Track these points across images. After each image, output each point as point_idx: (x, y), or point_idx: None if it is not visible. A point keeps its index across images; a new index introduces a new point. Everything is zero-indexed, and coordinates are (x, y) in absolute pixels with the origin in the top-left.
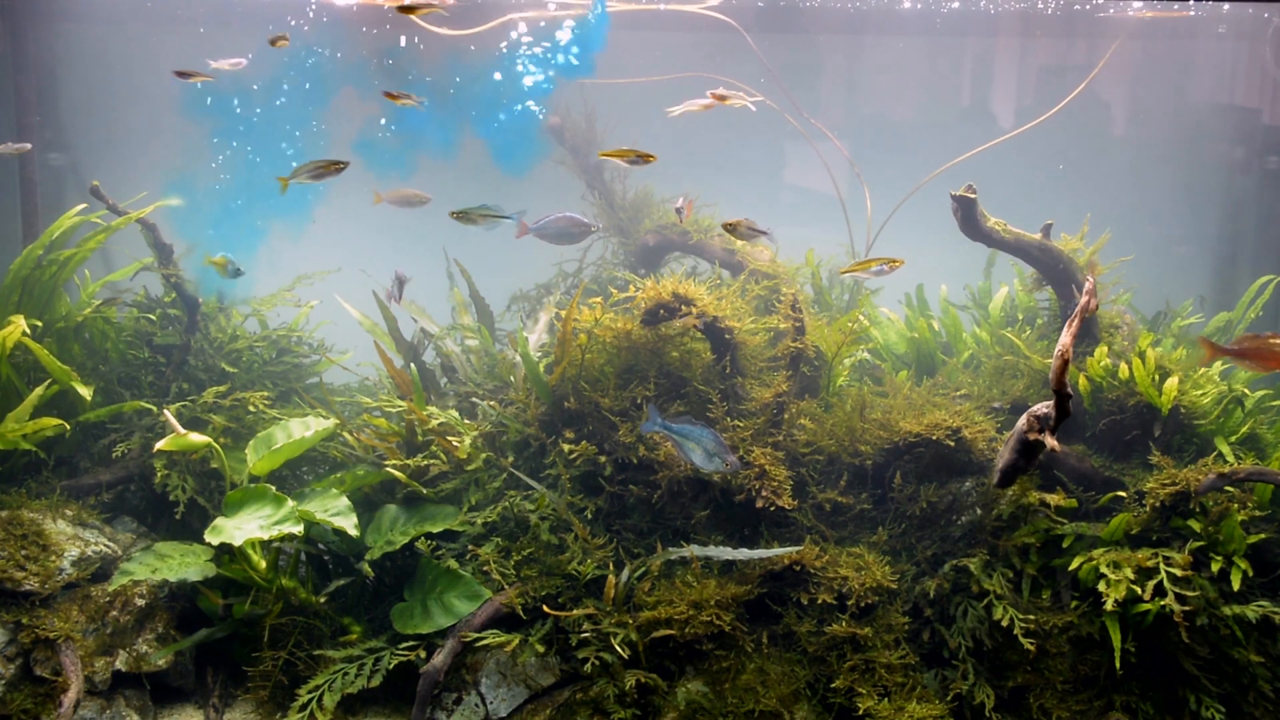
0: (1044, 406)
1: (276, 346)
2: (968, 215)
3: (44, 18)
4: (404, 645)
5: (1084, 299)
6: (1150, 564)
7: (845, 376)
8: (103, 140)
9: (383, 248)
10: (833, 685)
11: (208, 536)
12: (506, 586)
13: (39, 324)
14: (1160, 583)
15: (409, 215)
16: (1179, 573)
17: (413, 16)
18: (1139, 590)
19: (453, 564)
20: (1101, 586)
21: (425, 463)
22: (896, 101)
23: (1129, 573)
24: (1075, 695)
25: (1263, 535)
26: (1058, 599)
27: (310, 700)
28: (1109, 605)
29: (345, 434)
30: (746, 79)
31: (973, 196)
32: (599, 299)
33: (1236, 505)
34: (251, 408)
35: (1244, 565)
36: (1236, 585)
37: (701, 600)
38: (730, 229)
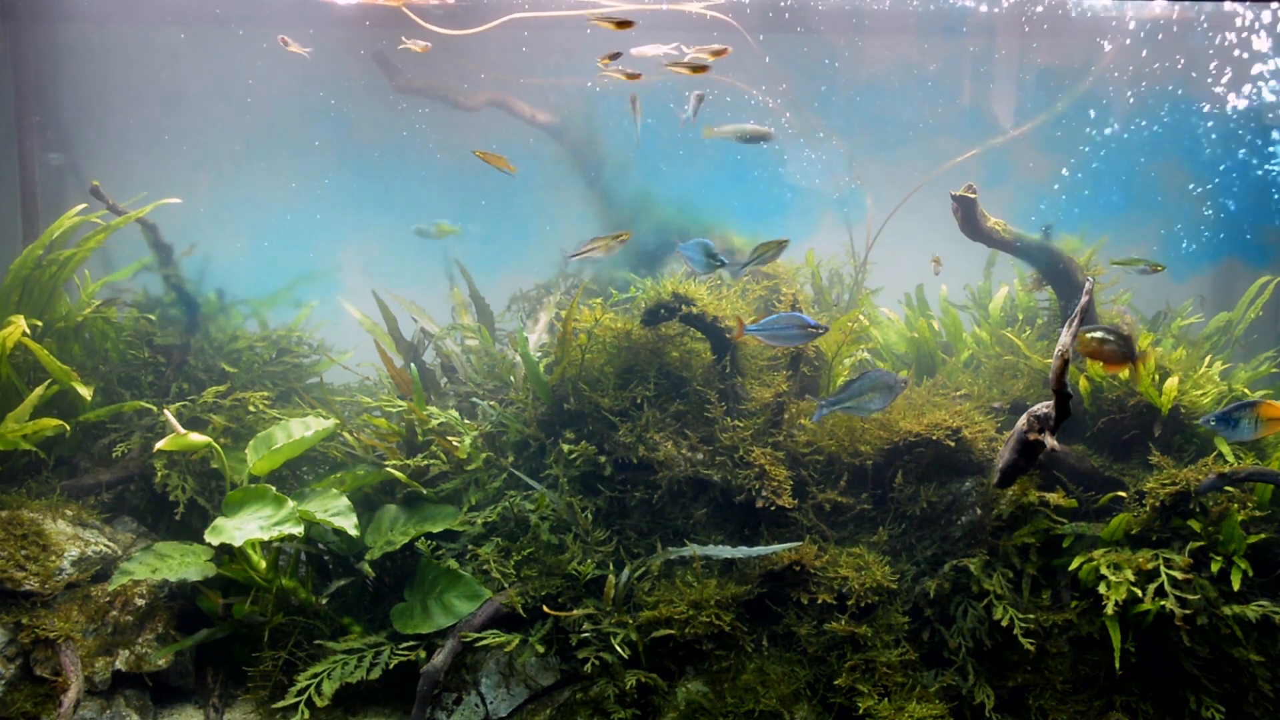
0: (1044, 406)
1: (276, 346)
2: (968, 215)
3: (44, 18)
4: (404, 645)
5: (1083, 299)
6: (1150, 566)
7: (845, 376)
8: (103, 140)
9: (384, 247)
10: (833, 684)
11: (208, 536)
12: (507, 586)
13: (39, 324)
14: (1161, 585)
15: (409, 217)
16: (1180, 575)
17: (413, 15)
18: (1139, 593)
19: (453, 564)
20: (1102, 589)
21: (425, 463)
22: (896, 101)
23: (1129, 574)
24: (1075, 695)
25: (1263, 535)
26: (1058, 599)
27: (309, 686)
28: (1109, 609)
29: (345, 434)
30: (747, 79)
31: (973, 196)
32: (599, 299)
33: (1236, 505)
34: (251, 408)
35: (1244, 565)
36: (1236, 585)
37: (701, 600)
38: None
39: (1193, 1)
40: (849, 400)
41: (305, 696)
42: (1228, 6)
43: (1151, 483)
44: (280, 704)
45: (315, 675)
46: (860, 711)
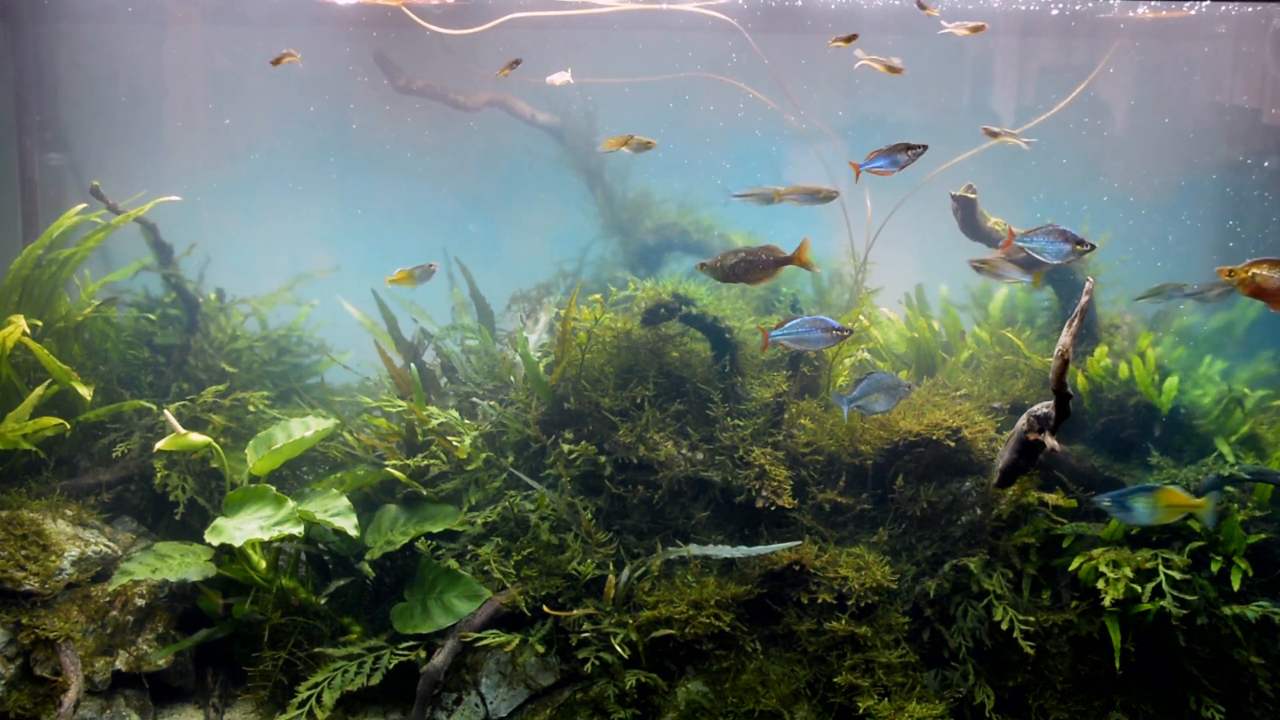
0: (1044, 406)
1: (276, 346)
2: (967, 215)
3: (44, 18)
4: (404, 645)
5: (1083, 299)
6: (1149, 565)
7: (845, 376)
8: (103, 140)
9: (382, 247)
10: (833, 684)
11: (208, 537)
12: (509, 586)
13: (39, 324)
14: (1159, 584)
15: (405, 214)
16: (1178, 575)
17: (413, 16)
18: (1138, 590)
19: (453, 564)
20: (1100, 585)
21: (425, 463)
22: (896, 101)
23: (1128, 572)
24: (1075, 695)
25: (1263, 535)
26: (1058, 599)
27: (310, 697)
28: (1107, 603)
29: (345, 434)
30: (746, 79)
31: (973, 197)
32: (599, 296)
33: (1236, 505)
34: (251, 408)
35: (1244, 565)
36: (1236, 585)
37: (701, 600)
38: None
39: (1194, 1)
40: (862, 398)
41: (306, 709)
42: (1225, 7)
43: (1151, 482)
44: (283, 717)
45: (315, 685)
46: (860, 711)
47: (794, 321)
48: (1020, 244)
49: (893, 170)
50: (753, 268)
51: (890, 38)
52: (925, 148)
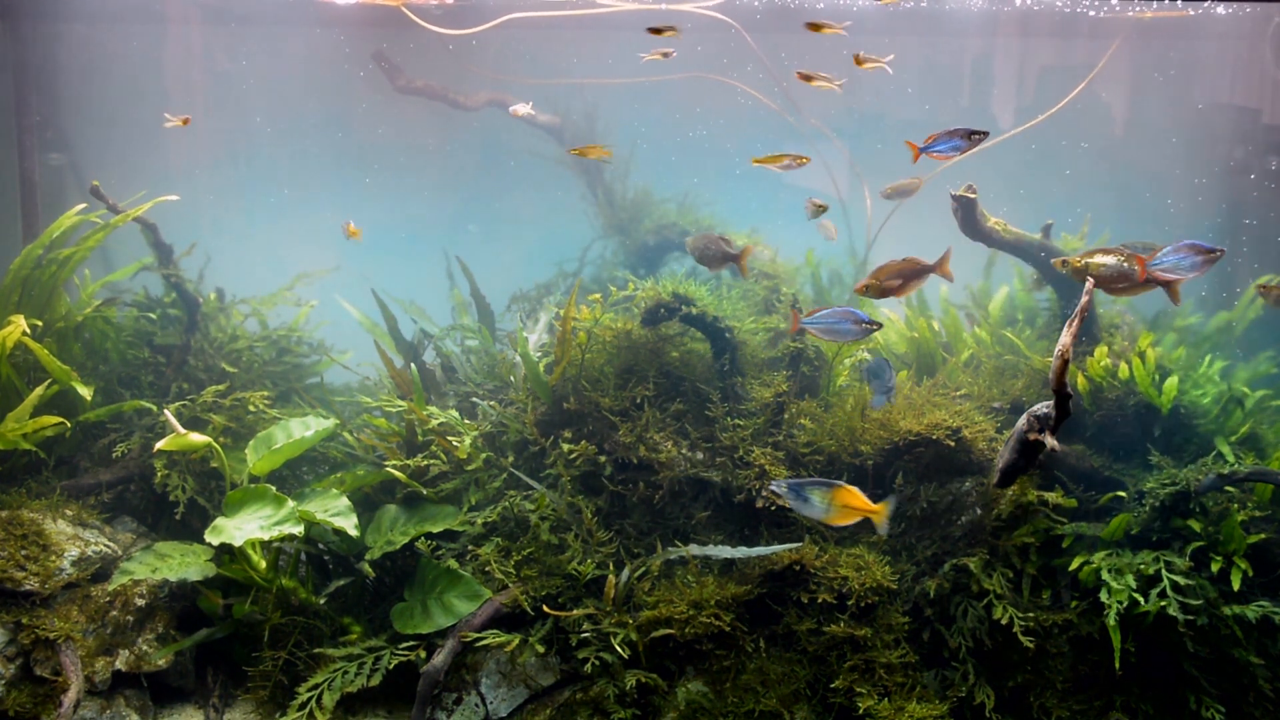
0: (1044, 406)
1: (276, 346)
2: (968, 215)
3: (44, 18)
4: (404, 645)
5: (1084, 299)
6: (1152, 571)
7: (845, 376)
8: (103, 140)
9: (383, 247)
10: (833, 685)
11: (208, 536)
12: (510, 585)
13: (39, 324)
14: (1163, 589)
15: (405, 214)
16: (1181, 580)
17: (413, 16)
18: (1141, 600)
19: (453, 564)
20: (1103, 596)
21: (425, 463)
22: (896, 101)
23: (1130, 580)
24: (1075, 695)
25: (1263, 535)
26: (1058, 599)
27: (310, 699)
28: (1110, 619)
29: (345, 434)
30: (746, 79)
31: (973, 197)
32: (598, 296)
33: (1236, 505)
34: (251, 407)
35: (1244, 565)
36: (1236, 585)
37: (701, 600)
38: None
39: (1193, 1)
40: (891, 382)
41: (307, 710)
42: (1223, 7)
43: (1151, 483)
44: (283, 719)
45: (315, 686)
46: (860, 711)
47: (824, 312)
48: (1153, 270)
49: (953, 155)
50: (706, 256)
51: (891, 38)
52: (986, 134)
